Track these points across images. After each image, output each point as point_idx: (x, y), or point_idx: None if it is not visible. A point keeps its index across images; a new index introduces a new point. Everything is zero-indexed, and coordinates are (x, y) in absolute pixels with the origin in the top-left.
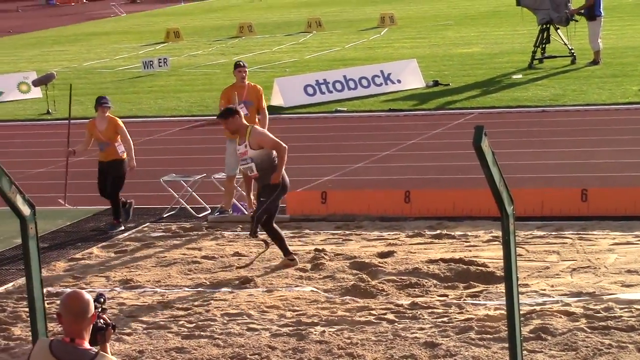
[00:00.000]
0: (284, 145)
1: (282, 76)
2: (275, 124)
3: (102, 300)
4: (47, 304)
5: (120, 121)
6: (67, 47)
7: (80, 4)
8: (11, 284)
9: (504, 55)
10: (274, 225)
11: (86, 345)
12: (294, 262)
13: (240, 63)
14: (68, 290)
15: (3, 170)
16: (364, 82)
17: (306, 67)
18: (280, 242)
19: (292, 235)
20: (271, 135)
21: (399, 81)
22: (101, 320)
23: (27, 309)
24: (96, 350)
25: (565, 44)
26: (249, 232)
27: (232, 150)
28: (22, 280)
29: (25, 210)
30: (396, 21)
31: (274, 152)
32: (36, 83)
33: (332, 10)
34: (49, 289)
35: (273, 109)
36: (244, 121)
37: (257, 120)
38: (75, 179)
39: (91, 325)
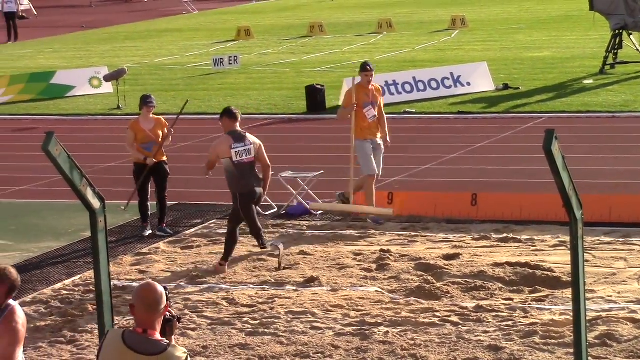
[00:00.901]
0: (208, 168)
1: (351, 76)
2: (343, 124)
3: (165, 293)
4: (114, 297)
5: (164, 119)
6: (139, 43)
7: (153, 1)
8: (78, 276)
9: (575, 60)
10: (237, 231)
11: (158, 336)
12: (223, 268)
13: (368, 66)
14: (134, 284)
15: (74, 164)
16: (434, 84)
17: (376, 68)
18: (231, 246)
19: (357, 235)
20: (214, 151)
21: (468, 84)
22: (167, 313)
23: (93, 302)
24: (168, 342)
25: (637, 50)
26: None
27: (369, 150)
28: (89, 273)
29: (95, 204)
30: (467, 24)
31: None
32: (107, 78)
33: (403, 12)
34: (116, 282)
35: None
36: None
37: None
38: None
39: (162, 317)
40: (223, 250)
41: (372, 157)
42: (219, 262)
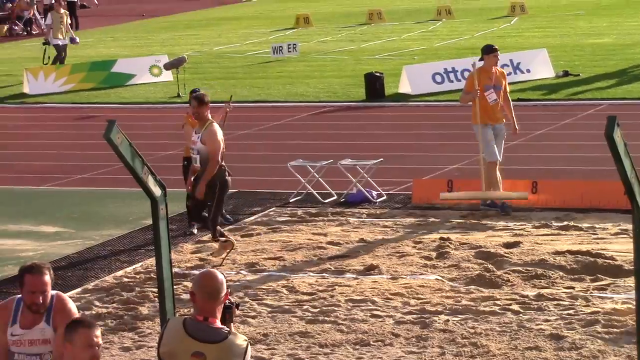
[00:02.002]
0: (217, 159)
1: (410, 64)
2: (402, 112)
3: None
4: (175, 284)
5: None
6: (199, 31)
7: None
8: (139, 264)
9: (636, 47)
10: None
11: (218, 324)
12: (228, 242)
13: (495, 47)
14: (195, 272)
15: (136, 152)
16: None
17: (435, 55)
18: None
19: (417, 223)
20: (219, 142)
21: (528, 71)
22: (227, 300)
23: (154, 289)
24: (228, 330)
25: None
26: (210, 237)
27: (490, 136)
28: (150, 261)
29: (157, 192)
30: (527, 10)
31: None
32: (168, 66)
33: None
34: (176, 270)
35: (400, 97)
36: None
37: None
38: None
39: (222, 305)
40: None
41: (493, 142)
42: (219, 240)
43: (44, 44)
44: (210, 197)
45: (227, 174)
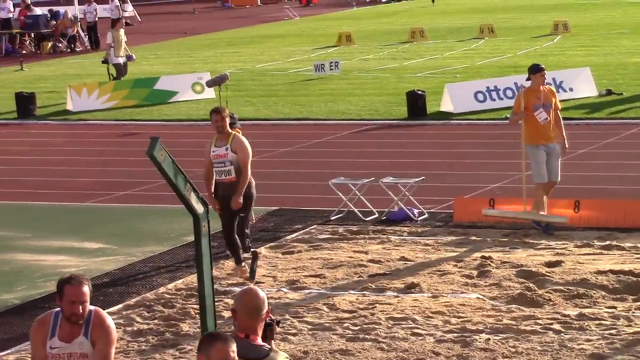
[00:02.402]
0: (249, 168)
1: (452, 82)
2: (444, 130)
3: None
4: (215, 301)
5: None
6: (241, 48)
7: (255, 7)
8: (181, 280)
9: None
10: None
11: (259, 341)
12: (245, 269)
13: (541, 66)
14: (236, 289)
15: (178, 169)
16: None
17: (477, 74)
18: (237, 250)
19: (458, 241)
20: (249, 151)
21: (571, 89)
22: (268, 317)
23: (195, 306)
24: (269, 347)
25: None
26: (238, 250)
27: (541, 157)
28: (191, 278)
29: (199, 209)
30: (570, 29)
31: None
32: (210, 84)
33: (504, 17)
34: (217, 287)
35: (442, 115)
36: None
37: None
38: None
39: (264, 322)
40: (235, 258)
41: (543, 164)
42: (240, 267)
43: (103, 62)
44: (245, 210)
45: (254, 185)
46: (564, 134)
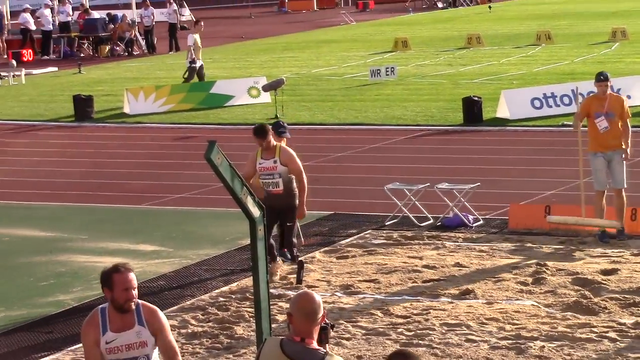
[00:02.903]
0: (304, 177)
1: (509, 88)
2: (500, 136)
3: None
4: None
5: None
6: (297, 53)
7: (311, 12)
8: (235, 284)
9: None
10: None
11: (315, 345)
12: (279, 264)
13: (602, 76)
14: (290, 292)
15: (235, 172)
16: None
17: (534, 80)
18: (272, 250)
19: (513, 248)
20: (299, 162)
21: (629, 97)
22: (323, 321)
23: (250, 309)
24: (325, 351)
25: None
26: (282, 257)
27: (599, 165)
28: (245, 281)
29: (255, 212)
30: (628, 36)
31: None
32: (266, 88)
33: (562, 24)
34: (271, 290)
35: (498, 121)
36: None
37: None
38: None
39: (319, 326)
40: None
41: (601, 171)
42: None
43: (190, 63)
44: (291, 220)
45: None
46: (629, 141)
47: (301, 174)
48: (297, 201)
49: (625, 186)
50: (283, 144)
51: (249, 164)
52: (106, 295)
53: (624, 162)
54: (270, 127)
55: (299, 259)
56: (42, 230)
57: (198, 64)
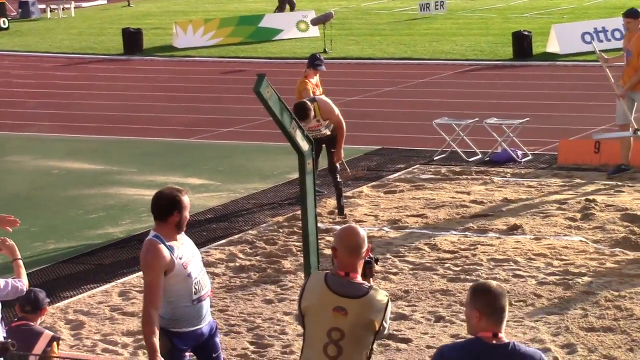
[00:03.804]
0: (344, 122)
1: (559, 22)
2: (549, 71)
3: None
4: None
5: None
6: None
7: None
8: (283, 217)
9: None
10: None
11: (359, 279)
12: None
13: (624, 12)
14: (337, 227)
15: (284, 106)
16: None
17: (585, 14)
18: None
19: (562, 184)
20: (337, 110)
21: None
22: (367, 255)
23: (297, 243)
24: (369, 285)
25: None
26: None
27: (618, 101)
28: (292, 215)
29: (304, 146)
30: None
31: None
32: (314, 22)
33: None
34: (319, 224)
35: (548, 56)
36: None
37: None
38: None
39: (363, 260)
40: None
41: (618, 106)
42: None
43: None
44: (334, 145)
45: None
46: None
47: (341, 122)
48: (335, 158)
49: (635, 126)
50: (316, 77)
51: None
52: (174, 220)
53: (624, 98)
54: (310, 105)
55: (339, 186)
56: (91, 163)
57: None
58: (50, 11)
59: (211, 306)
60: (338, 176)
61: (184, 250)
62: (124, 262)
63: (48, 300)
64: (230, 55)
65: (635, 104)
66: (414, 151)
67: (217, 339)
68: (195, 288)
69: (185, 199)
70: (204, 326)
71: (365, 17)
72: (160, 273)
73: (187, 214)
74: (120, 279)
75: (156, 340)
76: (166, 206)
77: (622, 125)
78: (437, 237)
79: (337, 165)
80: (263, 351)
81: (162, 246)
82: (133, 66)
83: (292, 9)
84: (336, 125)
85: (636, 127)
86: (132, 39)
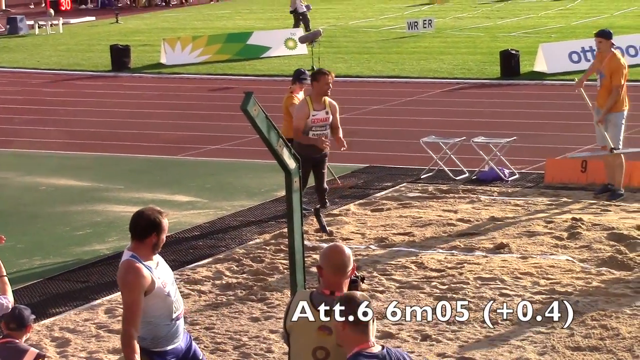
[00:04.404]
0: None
1: (547, 42)
2: (537, 90)
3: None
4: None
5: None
6: (334, 5)
7: None
8: (270, 235)
9: None
10: None
11: None
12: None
13: (597, 32)
14: (324, 245)
15: (271, 124)
16: (632, 51)
17: (572, 34)
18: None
19: (549, 202)
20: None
21: None
22: (353, 274)
23: (284, 261)
24: None
25: None
26: (319, 206)
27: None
28: (279, 233)
29: (291, 164)
30: None
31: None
32: (303, 40)
33: None
34: (306, 242)
35: (536, 75)
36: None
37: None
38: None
39: (349, 279)
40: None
41: (597, 126)
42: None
43: (291, 12)
44: (324, 167)
45: None
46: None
47: (338, 125)
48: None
49: (612, 145)
50: (302, 93)
51: (301, 115)
52: (151, 240)
53: (602, 123)
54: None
55: (314, 207)
56: (78, 179)
57: (306, 9)
58: (39, 27)
59: (197, 324)
60: (326, 198)
61: (160, 270)
62: (111, 279)
63: (33, 317)
64: (218, 73)
65: (610, 123)
66: (401, 169)
67: (196, 348)
68: (174, 307)
69: (165, 221)
70: (182, 341)
71: (353, 35)
72: (141, 293)
73: (164, 237)
74: (107, 296)
75: (138, 359)
76: (146, 227)
77: (604, 146)
78: (423, 256)
79: (326, 186)
80: None
81: (141, 266)
82: (121, 83)
83: (306, 28)
84: (335, 124)
85: (612, 147)
86: (120, 56)
